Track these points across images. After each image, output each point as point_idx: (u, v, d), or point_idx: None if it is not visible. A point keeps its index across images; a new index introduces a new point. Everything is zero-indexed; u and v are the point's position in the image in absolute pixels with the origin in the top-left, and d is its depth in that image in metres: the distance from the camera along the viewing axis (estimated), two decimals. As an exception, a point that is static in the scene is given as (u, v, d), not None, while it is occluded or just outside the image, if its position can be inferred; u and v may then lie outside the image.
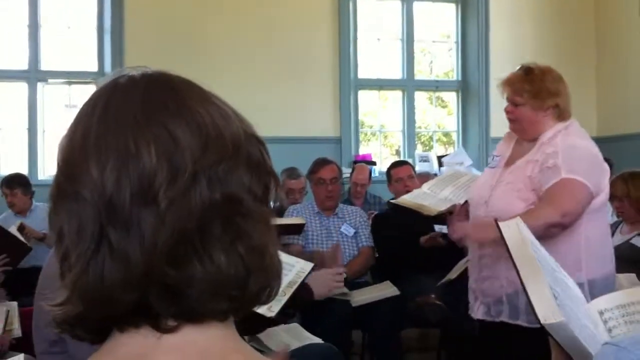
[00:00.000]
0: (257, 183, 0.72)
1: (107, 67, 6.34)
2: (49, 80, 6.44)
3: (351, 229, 4.62)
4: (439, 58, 7.64)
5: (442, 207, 3.02)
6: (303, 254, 4.02)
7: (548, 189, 2.66)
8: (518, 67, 2.88)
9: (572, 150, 2.71)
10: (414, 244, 4.49)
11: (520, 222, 1.65)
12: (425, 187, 3.24)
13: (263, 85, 6.39)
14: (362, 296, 4.23)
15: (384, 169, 5.66)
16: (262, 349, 2.93)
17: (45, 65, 6.41)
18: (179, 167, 0.67)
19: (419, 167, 6.34)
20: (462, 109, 7.29)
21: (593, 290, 2.67)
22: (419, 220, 3.59)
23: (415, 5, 7.18)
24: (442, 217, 3.20)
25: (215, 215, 0.68)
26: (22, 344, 2.90)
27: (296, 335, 3.30)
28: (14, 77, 6.41)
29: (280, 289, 0.76)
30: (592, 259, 2.73)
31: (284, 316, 2.88)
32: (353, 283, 4.40)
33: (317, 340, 3.31)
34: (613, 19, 7.12)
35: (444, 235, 4.29)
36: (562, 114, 2.81)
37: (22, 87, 6.35)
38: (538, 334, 1.42)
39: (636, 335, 1.39)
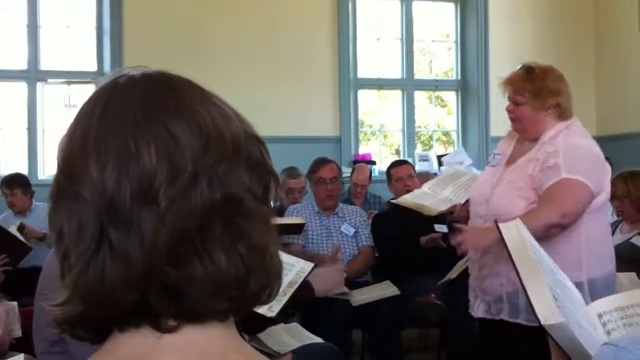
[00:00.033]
0: (257, 183, 0.72)
1: (107, 67, 6.33)
2: (49, 80, 6.43)
3: (351, 228, 4.62)
4: (439, 57, 7.64)
5: (443, 207, 3.02)
6: (303, 254, 4.02)
7: (548, 188, 2.65)
8: (519, 67, 2.88)
9: (573, 150, 2.71)
10: (414, 243, 4.49)
11: (520, 224, 1.65)
12: (426, 186, 3.24)
13: (263, 85, 6.39)
14: (362, 296, 4.24)
15: (384, 168, 5.66)
16: (262, 348, 2.93)
17: (44, 65, 6.40)
18: (179, 167, 0.67)
19: (419, 167, 6.34)
20: (462, 109, 7.29)
21: (593, 289, 2.67)
22: (419, 220, 3.60)
23: (415, 4, 7.18)
24: (443, 217, 3.20)
25: (215, 215, 0.68)
26: (22, 344, 2.89)
27: (296, 335, 3.30)
28: (13, 77, 6.40)
29: (281, 289, 0.76)
30: (592, 258, 2.73)
31: (283, 316, 2.88)
32: (353, 282, 4.40)
33: (318, 339, 3.31)
34: (612, 19, 7.12)
35: (444, 236, 4.30)
36: (563, 113, 2.81)
37: (22, 87, 6.35)
38: (537, 333, 1.42)
39: (635, 335, 1.39)
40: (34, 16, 6.31)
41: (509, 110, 2.88)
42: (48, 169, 6.31)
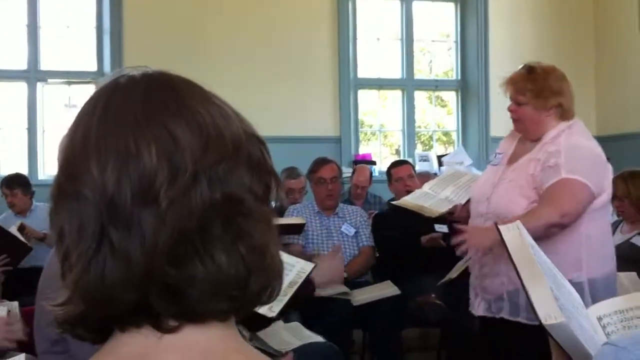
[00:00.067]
0: (258, 183, 0.72)
1: (107, 67, 6.34)
2: (49, 80, 6.43)
3: (352, 228, 4.62)
4: (439, 57, 7.64)
5: (443, 208, 3.02)
6: (303, 254, 4.03)
7: (548, 188, 2.65)
8: (521, 66, 2.88)
9: (575, 150, 2.70)
10: (414, 243, 4.49)
11: (521, 225, 1.65)
12: (426, 186, 3.24)
13: (263, 85, 6.39)
14: (362, 295, 4.24)
15: (384, 168, 5.65)
16: (263, 347, 2.93)
17: (44, 65, 6.40)
18: (179, 167, 0.67)
19: (419, 167, 6.34)
20: (462, 109, 7.29)
21: (594, 289, 2.67)
22: (420, 220, 3.59)
23: (415, 4, 7.17)
24: (443, 217, 3.20)
25: (215, 215, 0.68)
26: (24, 343, 2.89)
27: (297, 334, 3.30)
28: (13, 77, 6.40)
29: (282, 289, 0.76)
30: (592, 258, 2.73)
31: (281, 314, 2.88)
32: (354, 282, 4.40)
33: (318, 337, 3.30)
34: (612, 18, 7.12)
35: (445, 236, 4.30)
36: (565, 114, 2.80)
37: (22, 87, 6.35)
38: (538, 331, 1.42)
39: (635, 335, 1.39)
40: (34, 16, 6.32)
41: (510, 110, 2.87)
42: (48, 169, 6.31)
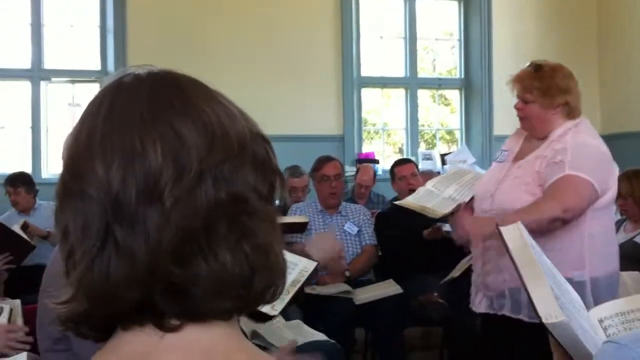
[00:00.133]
0: (262, 182, 0.72)
1: (110, 66, 6.34)
2: (52, 79, 6.44)
3: (354, 227, 4.62)
4: (442, 56, 7.63)
5: (446, 209, 3.01)
6: (306, 253, 4.02)
7: (552, 183, 2.66)
8: (528, 64, 2.87)
9: (581, 148, 2.70)
10: (416, 242, 4.49)
11: (521, 226, 1.65)
12: (430, 184, 3.24)
13: (265, 84, 6.38)
14: (365, 294, 4.24)
15: (387, 167, 5.65)
16: (265, 345, 2.94)
17: (48, 64, 6.41)
18: (184, 166, 0.68)
19: (422, 165, 6.33)
20: (465, 107, 7.29)
21: (596, 288, 2.67)
22: (422, 219, 3.59)
23: (418, 3, 7.16)
24: (447, 218, 3.20)
25: (220, 214, 0.68)
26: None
27: (299, 332, 3.30)
28: (17, 75, 6.41)
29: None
30: (595, 256, 2.72)
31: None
32: (356, 281, 4.41)
33: (320, 335, 3.31)
34: (615, 16, 7.10)
35: (448, 234, 4.30)
36: (572, 112, 2.80)
37: (26, 85, 6.36)
38: (539, 329, 1.42)
39: (637, 332, 1.39)
40: (37, 15, 6.32)
41: (517, 108, 2.87)
42: (52, 167, 6.32)
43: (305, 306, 3.98)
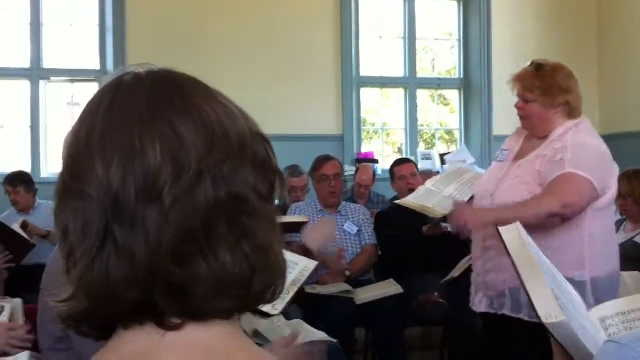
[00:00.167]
0: (262, 182, 0.72)
1: (110, 66, 6.34)
2: (51, 79, 6.44)
3: (354, 226, 4.62)
4: (441, 56, 7.63)
5: (447, 208, 3.01)
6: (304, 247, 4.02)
7: (552, 180, 2.66)
8: (529, 63, 2.87)
9: (581, 148, 2.71)
10: (416, 242, 4.49)
11: (520, 226, 1.65)
12: (429, 183, 3.24)
13: (266, 84, 6.38)
14: (365, 294, 4.24)
15: (387, 166, 5.65)
16: (266, 344, 2.93)
17: (47, 63, 6.41)
18: (183, 165, 0.67)
19: (422, 165, 6.33)
20: (465, 107, 7.29)
21: (596, 288, 2.67)
22: (422, 218, 3.59)
23: (417, 3, 7.16)
24: (446, 217, 3.20)
25: (220, 214, 0.68)
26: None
27: (300, 331, 3.29)
28: (16, 75, 6.41)
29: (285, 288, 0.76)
30: (596, 256, 2.72)
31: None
32: (356, 281, 4.41)
33: (321, 334, 3.30)
34: (615, 16, 7.10)
35: (448, 234, 4.29)
36: (572, 112, 2.80)
37: (25, 85, 6.36)
38: (539, 329, 1.42)
39: (637, 332, 1.39)
40: (36, 14, 6.32)
41: (518, 107, 2.87)
42: (51, 167, 6.32)
43: (306, 306, 3.98)
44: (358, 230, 4.62)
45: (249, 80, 6.24)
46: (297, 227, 4.39)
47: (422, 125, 7.45)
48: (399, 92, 7.28)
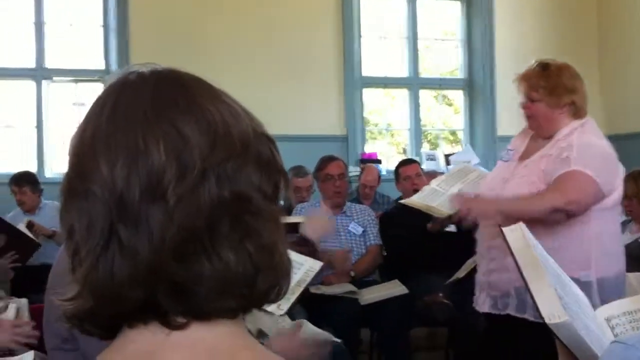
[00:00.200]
0: (266, 181, 0.72)
1: (113, 65, 6.34)
2: (55, 79, 6.44)
3: (359, 227, 4.62)
4: (444, 56, 7.62)
5: (451, 208, 3.01)
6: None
7: (557, 177, 2.66)
8: (535, 63, 2.87)
9: (587, 148, 2.71)
10: (421, 242, 4.48)
11: (523, 226, 1.65)
12: (434, 183, 3.23)
13: (267, 84, 6.37)
14: (370, 295, 4.24)
15: (391, 167, 5.64)
16: (265, 339, 2.93)
17: (51, 63, 6.41)
18: (187, 165, 0.68)
19: (426, 166, 6.32)
20: (469, 107, 7.27)
21: (602, 289, 2.67)
22: (427, 218, 3.58)
23: (420, 3, 7.15)
24: (451, 217, 3.19)
25: (223, 213, 0.68)
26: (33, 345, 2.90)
27: (304, 331, 3.29)
28: (20, 75, 6.42)
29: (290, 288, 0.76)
30: (601, 257, 2.72)
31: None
32: (361, 281, 4.41)
33: (326, 334, 3.30)
34: (616, 16, 7.08)
35: (453, 235, 4.29)
36: (578, 112, 2.80)
37: (29, 85, 6.36)
38: (544, 329, 1.42)
39: (644, 333, 1.39)
40: (40, 14, 6.33)
41: (523, 107, 2.87)
42: (56, 166, 6.32)
43: (310, 306, 3.98)
44: (363, 231, 4.61)
45: (250, 80, 6.23)
46: (296, 227, 4.38)
47: (425, 126, 7.43)
48: (402, 93, 7.27)
